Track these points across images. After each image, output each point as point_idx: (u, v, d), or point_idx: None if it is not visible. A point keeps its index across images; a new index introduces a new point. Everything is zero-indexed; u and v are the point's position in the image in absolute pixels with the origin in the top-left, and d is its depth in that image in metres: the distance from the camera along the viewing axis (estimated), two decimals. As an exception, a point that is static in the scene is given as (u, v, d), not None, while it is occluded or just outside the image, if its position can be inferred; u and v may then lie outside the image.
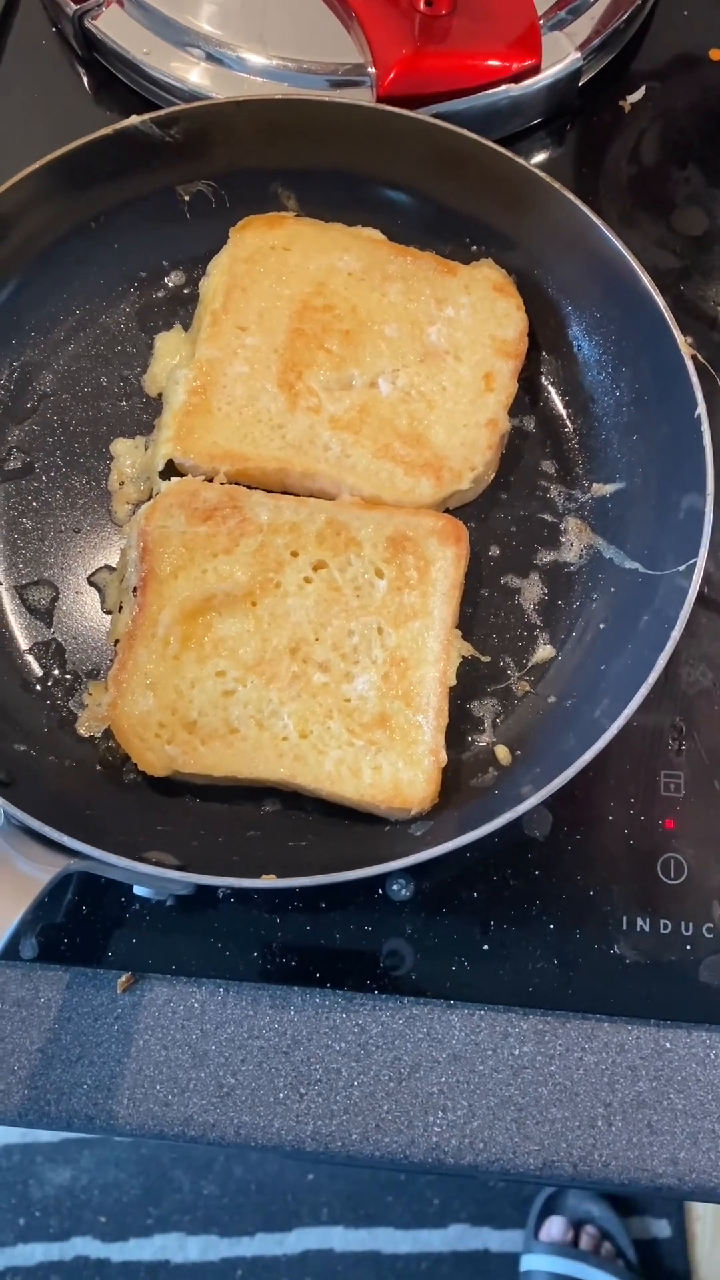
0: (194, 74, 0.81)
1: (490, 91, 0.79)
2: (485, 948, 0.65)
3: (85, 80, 0.87)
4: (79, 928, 0.66)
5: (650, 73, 0.87)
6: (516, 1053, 0.65)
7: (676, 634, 0.63)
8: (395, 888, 0.66)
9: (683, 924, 0.66)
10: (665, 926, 0.66)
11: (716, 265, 0.81)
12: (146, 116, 0.73)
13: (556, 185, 0.71)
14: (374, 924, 0.66)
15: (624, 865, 0.67)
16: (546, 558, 0.72)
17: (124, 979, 0.66)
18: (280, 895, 0.66)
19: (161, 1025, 0.65)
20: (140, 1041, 0.65)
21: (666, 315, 0.68)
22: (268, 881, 0.58)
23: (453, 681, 0.67)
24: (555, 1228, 1.47)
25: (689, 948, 0.65)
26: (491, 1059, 0.64)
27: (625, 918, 0.66)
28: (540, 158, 0.84)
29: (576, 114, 0.85)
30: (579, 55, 0.81)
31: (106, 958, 0.66)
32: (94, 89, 0.87)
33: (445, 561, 0.69)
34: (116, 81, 0.85)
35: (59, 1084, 0.64)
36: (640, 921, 0.66)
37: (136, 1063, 0.64)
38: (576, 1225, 1.47)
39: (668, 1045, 0.65)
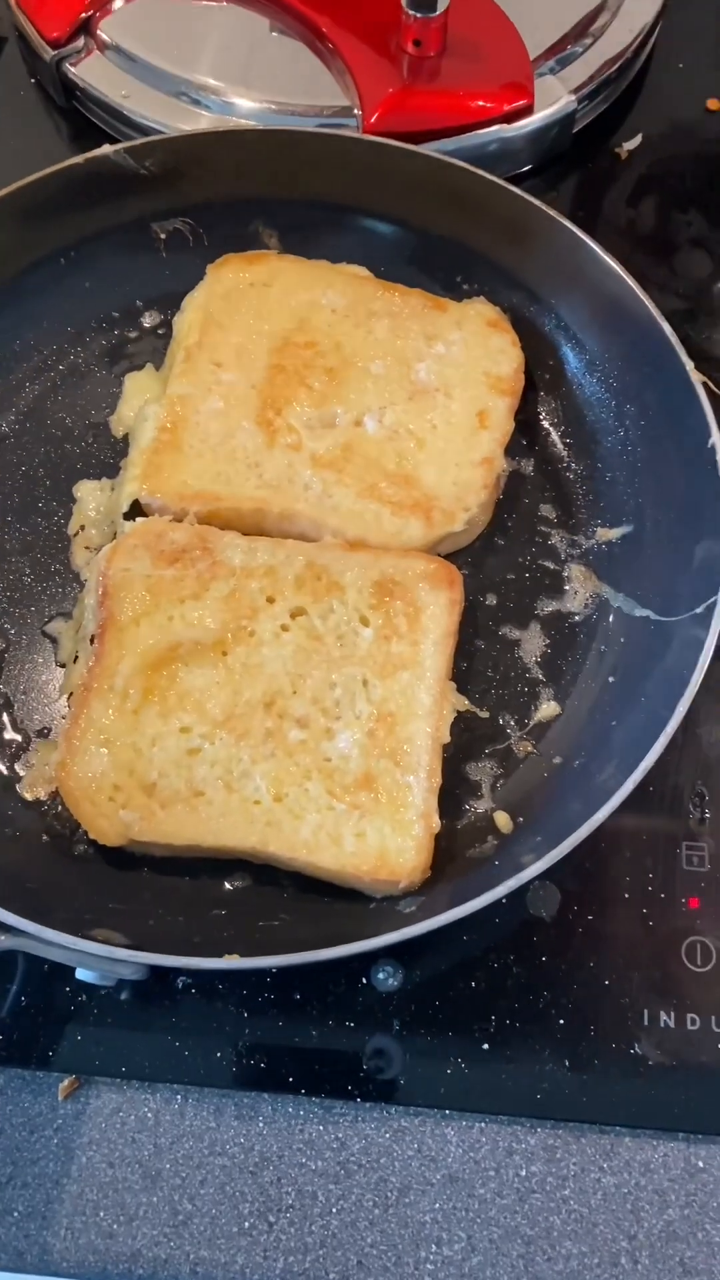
0: (177, 118, 0.78)
1: (480, 132, 0.76)
2: (485, 1047, 0.57)
3: (64, 130, 0.85)
4: (18, 1023, 0.57)
5: (647, 121, 0.84)
6: (523, 1173, 0.55)
7: (693, 688, 0.56)
8: (381, 976, 0.58)
9: (713, 1019, 0.57)
10: (693, 1022, 0.57)
11: (721, 308, 0.77)
12: (120, 146, 0.69)
13: (559, 218, 0.68)
14: (356, 1019, 0.57)
15: (643, 950, 0.59)
16: (548, 607, 0.66)
17: (66, 1083, 0.57)
18: (249, 986, 0.58)
19: (108, 1139, 0.56)
20: (83, 1158, 0.56)
21: (675, 344, 0.63)
22: (230, 962, 0.50)
23: (446, 738, 0.60)
24: None
25: (721, 1046, 0.56)
26: (494, 1181, 0.55)
27: (646, 1011, 0.57)
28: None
29: (571, 160, 0.82)
30: (573, 98, 0.79)
31: (48, 1058, 0.57)
32: (71, 137, 0.84)
33: (437, 607, 0.62)
34: (94, 129, 0.82)
35: (-15, 1211, 0.55)
36: (664, 1015, 0.57)
37: (78, 1184, 0.55)
38: None
39: (700, 1164, 0.55)
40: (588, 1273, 0.53)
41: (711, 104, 0.85)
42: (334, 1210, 0.54)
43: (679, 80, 0.86)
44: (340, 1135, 0.56)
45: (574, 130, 0.81)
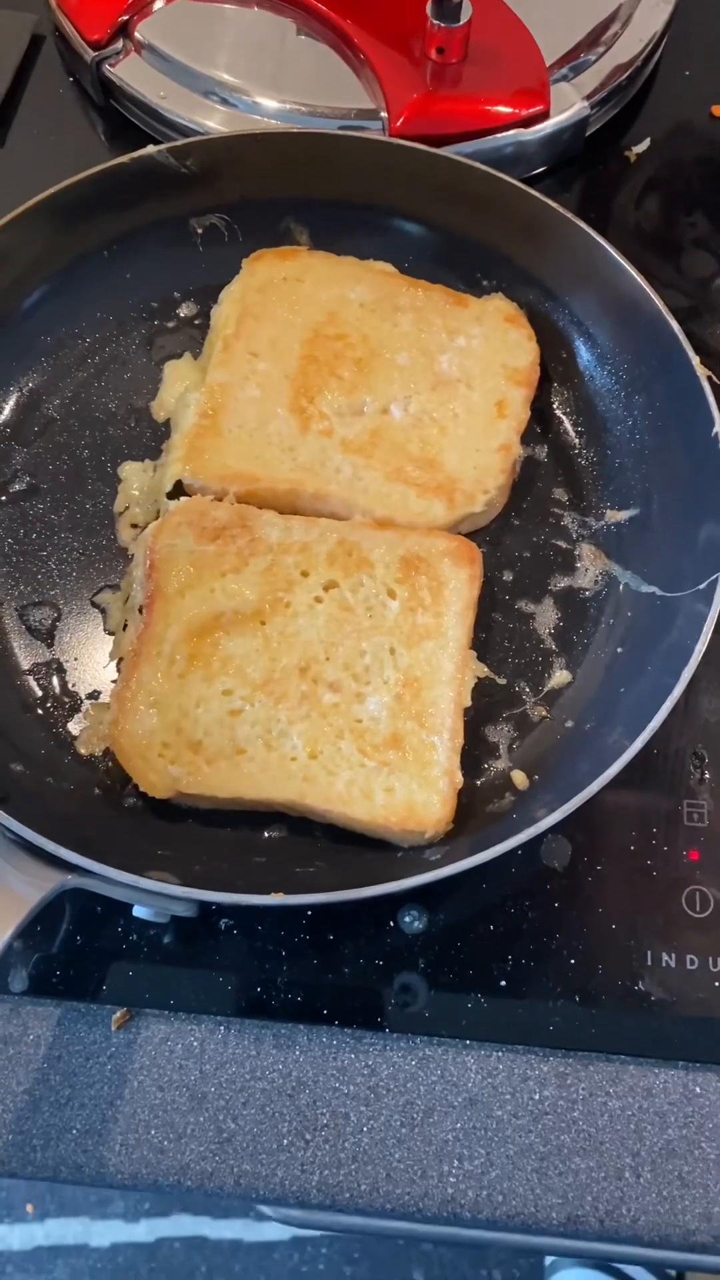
0: (210, 118, 0.82)
1: (498, 136, 0.81)
2: (503, 984, 0.62)
3: (100, 128, 0.89)
4: (73, 960, 0.62)
5: (654, 126, 0.89)
6: (537, 1097, 0.61)
7: (695, 659, 0.61)
8: (408, 919, 0.63)
9: (710, 960, 0.62)
10: (692, 962, 0.62)
11: (725, 306, 0.82)
12: (164, 146, 0.74)
13: (572, 217, 0.72)
14: (385, 958, 0.62)
15: (647, 897, 0.64)
16: (560, 583, 0.71)
17: (119, 1015, 0.62)
18: (286, 927, 0.63)
19: (158, 1065, 0.61)
20: (135, 1083, 0.61)
21: (682, 339, 0.68)
22: (277, 899, 0.55)
23: (468, 702, 0.65)
24: None
25: (718, 984, 0.62)
26: (510, 1103, 0.60)
27: (649, 953, 0.63)
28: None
29: (583, 163, 0.87)
30: (585, 104, 0.83)
31: (101, 992, 0.62)
32: (109, 136, 0.88)
33: (459, 582, 0.67)
34: (131, 128, 0.86)
35: (46, 1128, 0.60)
36: (666, 957, 0.62)
37: (130, 1105, 0.60)
38: None
39: (697, 1090, 0.61)
40: (595, 1185, 0.59)
41: (716, 110, 0.90)
42: (365, 1129, 0.60)
43: (686, 87, 0.91)
44: (370, 1063, 0.61)
45: (586, 134, 0.86)
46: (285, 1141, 0.59)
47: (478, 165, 0.73)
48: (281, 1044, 0.61)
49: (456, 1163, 0.59)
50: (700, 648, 0.61)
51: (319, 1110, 0.60)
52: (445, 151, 0.76)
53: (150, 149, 0.73)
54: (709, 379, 0.67)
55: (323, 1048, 0.61)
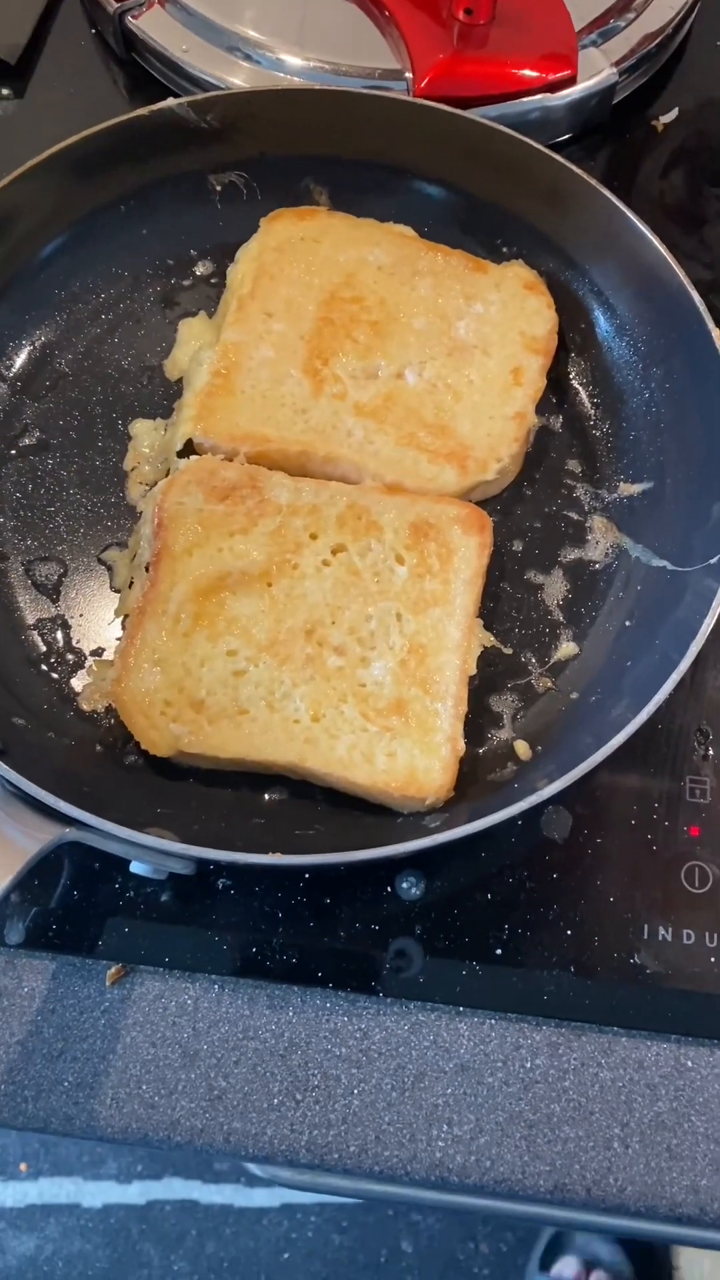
0: (231, 73, 0.81)
1: (524, 100, 0.80)
2: (498, 952, 0.62)
3: (121, 81, 0.88)
4: (70, 914, 0.62)
5: (683, 97, 0.88)
6: (528, 1065, 0.61)
7: (703, 635, 0.60)
8: (405, 885, 0.63)
9: (708, 935, 0.62)
10: (689, 937, 0.62)
11: (747, 280, 0.81)
12: (184, 100, 0.73)
13: (597, 185, 0.71)
14: (381, 923, 0.62)
15: (647, 871, 0.64)
16: (571, 554, 0.70)
17: (114, 970, 0.62)
18: (283, 888, 0.63)
19: (151, 1021, 0.61)
20: (128, 1038, 0.61)
21: (704, 312, 0.67)
22: (275, 859, 0.55)
23: (473, 670, 0.64)
24: (568, 1269, 1.37)
25: (713, 960, 0.61)
26: (501, 1071, 0.60)
27: (646, 926, 0.62)
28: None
29: (609, 131, 0.85)
30: (614, 70, 0.82)
31: (97, 947, 0.62)
32: (129, 89, 0.87)
33: (468, 550, 0.67)
34: (152, 82, 0.86)
35: (38, 1080, 0.60)
36: (662, 930, 0.62)
37: (123, 1060, 0.60)
38: (587, 1267, 1.37)
39: (689, 1064, 0.61)
40: (583, 1154, 0.59)
41: (746, 81, 0.88)
42: (355, 1092, 0.60)
43: (717, 57, 0.89)
44: (363, 1026, 0.61)
45: (614, 102, 0.85)
46: (276, 1101, 0.60)
47: (502, 128, 0.72)
48: (275, 1005, 0.61)
49: (446, 1127, 0.59)
50: (709, 623, 0.61)
51: (310, 1071, 0.60)
52: (470, 114, 0.75)
53: (170, 101, 0.72)
54: (729, 352, 0.66)
55: (316, 1010, 0.61)
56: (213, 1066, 0.60)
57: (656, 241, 0.69)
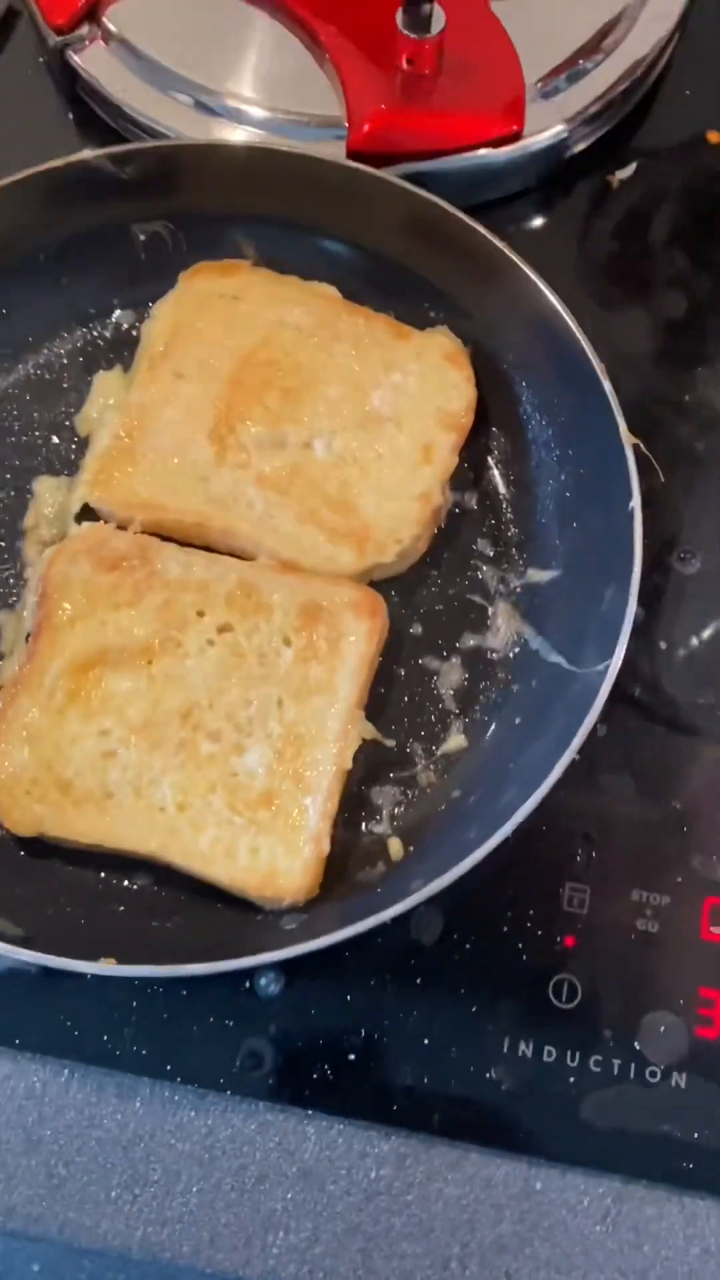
0: (171, 117, 0.79)
1: (467, 155, 0.77)
2: (352, 1057, 0.60)
3: (70, 114, 0.86)
4: None
5: (644, 150, 0.84)
6: (372, 1175, 0.59)
7: (584, 731, 0.59)
8: (263, 982, 0.62)
9: (569, 1053, 0.60)
10: (549, 1054, 0.60)
11: (692, 351, 0.77)
12: (101, 152, 0.71)
13: (518, 261, 0.68)
14: (236, 1019, 0.61)
15: (514, 982, 0.62)
16: (470, 641, 0.68)
17: (-35, 1048, 0.62)
18: (141, 978, 0.62)
19: (-3, 1103, 0.61)
20: (-28, 1119, 0.61)
21: (612, 402, 0.64)
22: (104, 967, 0.54)
23: (349, 765, 0.63)
24: None
25: (572, 1080, 0.60)
26: (344, 1179, 0.59)
27: (507, 1040, 0.61)
28: (519, 227, 0.81)
29: (562, 186, 0.82)
30: (565, 128, 0.79)
31: (-54, 1024, 0.61)
32: (78, 123, 0.85)
33: (358, 636, 0.65)
34: (99, 117, 0.83)
35: None
36: (523, 1045, 0.61)
37: (-36, 1142, 0.60)
38: None
39: (538, 1186, 0.59)
40: (419, 1272, 0.58)
41: (712, 135, 0.84)
42: (194, 1190, 0.59)
43: (683, 109, 0.85)
44: (209, 1122, 0.60)
45: (568, 155, 0.81)
46: (114, 1194, 0.59)
47: (423, 193, 0.69)
48: (124, 1094, 0.61)
49: (282, 1234, 0.58)
50: (590, 719, 0.59)
51: (151, 1165, 0.60)
52: (405, 172, 0.72)
53: (85, 153, 0.71)
54: (636, 446, 0.64)
55: (164, 1102, 0.61)
56: (54, 1153, 0.60)
57: (573, 325, 0.66)
